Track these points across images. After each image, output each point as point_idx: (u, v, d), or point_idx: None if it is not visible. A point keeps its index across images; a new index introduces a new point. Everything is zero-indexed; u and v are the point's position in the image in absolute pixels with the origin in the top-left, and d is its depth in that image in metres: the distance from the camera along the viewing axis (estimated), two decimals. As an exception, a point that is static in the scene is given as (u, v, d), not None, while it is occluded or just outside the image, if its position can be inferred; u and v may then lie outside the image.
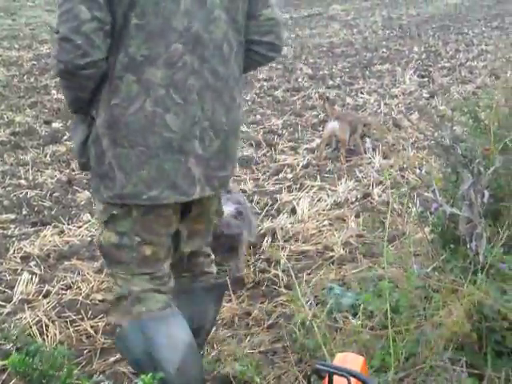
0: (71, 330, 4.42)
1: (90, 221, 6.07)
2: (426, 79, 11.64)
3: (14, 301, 4.76)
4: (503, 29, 17.03)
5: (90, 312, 4.62)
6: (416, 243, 4.42)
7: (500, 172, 4.06)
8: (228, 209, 4.95)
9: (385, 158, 7.43)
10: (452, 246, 4.11)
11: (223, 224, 4.87)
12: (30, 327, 4.37)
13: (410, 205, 5.70)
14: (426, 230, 4.41)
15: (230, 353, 3.93)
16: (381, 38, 16.24)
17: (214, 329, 4.23)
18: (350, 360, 3.15)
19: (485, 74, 11.71)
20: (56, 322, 4.48)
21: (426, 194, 3.90)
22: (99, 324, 4.48)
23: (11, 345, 3.69)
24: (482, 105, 6.16)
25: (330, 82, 11.57)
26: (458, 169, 3.99)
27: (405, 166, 6.77)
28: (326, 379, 2.94)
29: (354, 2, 23.68)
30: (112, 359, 4.12)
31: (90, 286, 4.95)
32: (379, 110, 9.53)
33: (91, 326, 4.47)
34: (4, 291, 4.93)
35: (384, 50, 14.55)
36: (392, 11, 21.04)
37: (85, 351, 4.21)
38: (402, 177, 6.66)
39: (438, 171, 4.68)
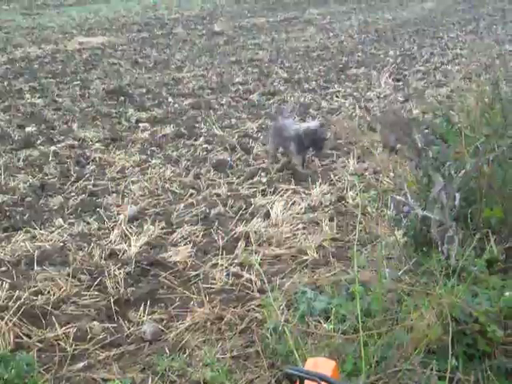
0: (42, 336, 4.37)
1: (62, 226, 6.01)
2: (400, 83, 11.69)
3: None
4: (477, 33, 17.15)
5: (61, 318, 4.57)
6: (389, 246, 4.42)
7: (471, 175, 4.07)
8: None
9: (359, 161, 7.42)
10: (424, 249, 4.11)
11: None
12: (-1, 334, 4.31)
13: (384, 208, 5.72)
14: (399, 233, 4.41)
15: (202, 358, 3.92)
16: (356, 41, 16.29)
17: (185, 333, 4.22)
18: (321, 364, 3.13)
19: (459, 77, 11.77)
20: (25, 329, 4.42)
21: (397, 197, 3.88)
22: (70, 330, 4.42)
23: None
24: (455, 108, 6.20)
25: (306, 86, 11.57)
26: (429, 172, 4.00)
27: (379, 169, 6.77)
28: (297, 384, 2.94)
29: (330, 6, 23.76)
30: (81, 365, 4.08)
31: (62, 291, 4.89)
32: (354, 114, 9.53)
33: (62, 333, 4.41)
34: (-27, 297, 4.86)
35: (359, 53, 14.61)
36: (368, 15, 21.13)
37: (55, 358, 4.15)
38: (377, 180, 6.67)
39: (410, 174, 4.69)
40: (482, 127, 4.43)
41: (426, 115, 4.39)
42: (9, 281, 5.05)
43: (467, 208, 4.20)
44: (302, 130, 7.26)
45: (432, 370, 2.97)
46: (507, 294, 3.48)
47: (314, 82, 11.88)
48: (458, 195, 3.76)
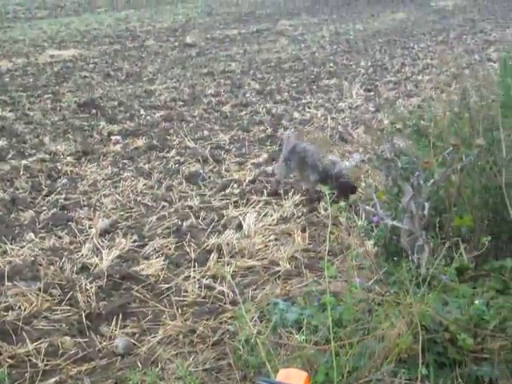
0: (12, 352, 4.33)
1: (33, 240, 5.97)
2: (372, 93, 11.76)
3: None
4: (448, 43, 17.30)
5: (32, 334, 4.53)
6: (360, 256, 4.43)
7: (440, 184, 4.10)
8: None
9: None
10: (395, 258, 4.13)
11: None
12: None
13: (356, 218, 5.75)
14: (370, 243, 4.43)
15: (174, 371, 3.90)
16: (328, 52, 16.36)
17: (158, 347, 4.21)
18: (293, 375, 3.12)
19: (430, 87, 11.86)
20: (-5, 345, 4.38)
21: (366, 207, 3.89)
22: (41, 346, 4.39)
23: None
24: (425, 118, 6.24)
25: (278, 97, 11.60)
26: (398, 182, 4.02)
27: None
28: (269, 395, 2.93)
29: (302, 17, 23.84)
30: (53, 380, 4.05)
31: (33, 306, 4.85)
32: (326, 125, 9.57)
33: (33, 348, 4.38)
34: None
35: (331, 64, 14.66)
36: (339, 26, 21.22)
37: (26, 374, 4.12)
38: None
39: (380, 185, 4.72)
40: (450, 137, 4.46)
41: (392, 125, 4.40)
42: (-21, 295, 5.02)
43: (437, 217, 4.23)
44: (335, 172, 6.60)
45: (401, 378, 2.98)
46: (477, 302, 3.51)
47: (286, 93, 11.92)
48: (427, 204, 3.79)
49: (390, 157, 3.86)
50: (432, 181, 3.71)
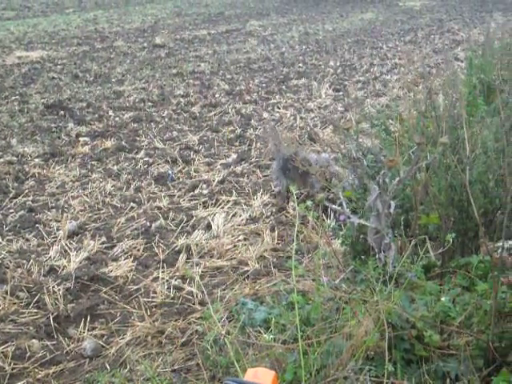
0: (-21, 356, 4.29)
1: (0, 243, 5.92)
2: (341, 93, 11.81)
3: None
4: (416, 43, 17.41)
5: (-2, 337, 4.50)
6: (328, 255, 4.45)
7: (406, 183, 4.13)
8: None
9: (300, 171, 7.46)
10: (362, 257, 4.15)
11: None
12: None
13: (325, 217, 5.77)
14: (338, 241, 4.45)
15: (142, 373, 3.89)
16: (297, 53, 16.38)
17: (126, 348, 4.20)
18: (261, 374, 3.12)
19: (398, 87, 11.94)
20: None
21: (332, 206, 3.91)
22: (8, 349, 4.35)
23: None
24: (392, 117, 6.28)
25: (247, 98, 11.60)
26: (365, 180, 4.04)
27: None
28: (237, 395, 2.93)
29: (272, 18, 23.87)
30: (21, 383, 4.02)
31: (-1, 309, 4.82)
32: (295, 124, 9.59)
33: (0, 352, 4.34)
34: None
35: (300, 64, 14.69)
36: (309, 27, 21.27)
37: (-8, 377, 4.08)
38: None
39: (348, 184, 4.73)
40: (415, 135, 4.50)
41: (358, 124, 4.42)
42: None
43: (404, 215, 4.27)
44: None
45: (365, 375, 2.99)
46: (443, 299, 3.53)
47: (255, 94, 11.92)
48: (393, 203, 3.81)
49: (356, 156, 3.88)
50: (397, 179, 3.73)
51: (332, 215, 5.74)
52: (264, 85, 12.68)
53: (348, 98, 11.30)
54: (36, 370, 4.19)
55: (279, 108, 10.81)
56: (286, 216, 6.32)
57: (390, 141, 5.23)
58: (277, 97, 11.67)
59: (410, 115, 4.91)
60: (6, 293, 5.02)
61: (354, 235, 4.19)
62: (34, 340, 4.47)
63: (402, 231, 3.97)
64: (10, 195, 7.12)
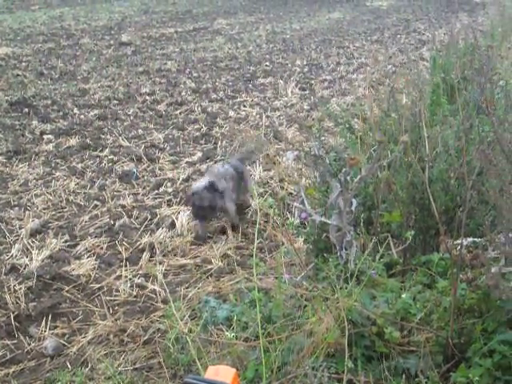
0: None
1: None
2: (307, 92, 11.83)
3: None
4: (382, 42, 17.52)
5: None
6: (291, 253, 4.46)
7: (368, 180, 4.16)
8: (199, 183, 5.98)
9: (265, 169, 7.47)
10: (325, 254, 4.16)
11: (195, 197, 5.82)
12: None
13: (289, 215, 5.78)
14: (301, 239, 4.47)
15: (104, 371, 3.87)
16: (264, 51, 16.39)
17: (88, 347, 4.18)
18: (222, 372, 3.12)
19: (363, 86, 12.00)
20: None
21: (295, 203, 3.92)
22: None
23: None
24: (357, 115, 6.32)
25: (214, 96, 11.59)
26: (327, 178, 4.06)
27: (284, 177, 6.84)
28: (197, 393, 2.93)
29: (239, 16, 23.86)
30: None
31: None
32: (261, 123, 9.60)
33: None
34: None
35: (267, 63, 14.70)
36: (276, 25, 21.30)
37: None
38: (282, 188, 6.74)
39: (311, 181, 4.76)
40: (377, 133, 4.53)
41: (320, 122, 4.42)
42: None
43: (366, 213, 4.29)
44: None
45: (324, 372, 3.00)
46: (404, 295, 3.56)
47: (221, 92, 11.90)
48: (354, 201, 3.83)
49: (319, 153, 3.89)
50: (359, 177, 3.74)
51: (295, 213, 5.75)
52: (230, 83, 12.67)
53: (314, 96, 11.33)
54: (-4, 370, 4.15)
55: (245, 106, 10.81)
56: (252, 215, 6.32)
57: (353, 139, 5.26)
58: (243, 95, 11.67)
59: (372, 114, 4.94)
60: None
61: (315, 233, 4.21)
62: (-6, 339, 4.43)
63: (364, 229, 3.99)
64: (-28, 193, 7.05)
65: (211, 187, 5.87)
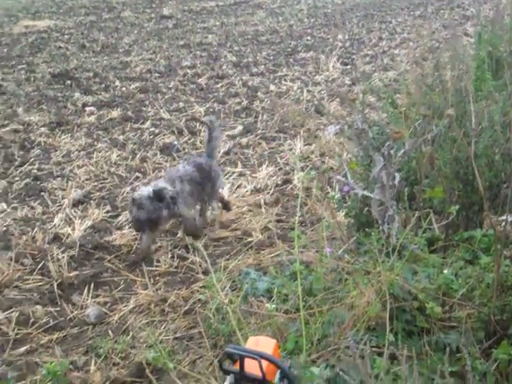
0: (-17, 321, 4.33)
1: (5, 210, 5.94)
2: (348, 66, 11.74)
3: None
4: (425, 17, 17.27)
5: (3, 303, 4.52)
6: (332, 227, 4.45)
7: (411, 155, 4.12)
8: (144, 189, 5.18)
9: (306, 144, 7.45)
10: (366, 229, 4.15)
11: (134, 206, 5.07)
12: None
13: (330, 189, 5.77)
14: (342, 214, 4.45)
15: (145, 340, 3.91)
16: (306, 26, 16.28)
17: (129, 316, 4.23)
18: (262, 343, 3.14)
19: (406, 61, 11.86)
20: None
21: (337, 177, 3.90)
22: (12, 314, 4.38)
23: None
24: (400, 91, 6.25)
25: (254, 70, 11.56)
26: (370, 152, 4.03)
27: (325, 151, 6.81)
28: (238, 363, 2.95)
29: (281, -10, 23.72)
30: (24, 349, 4.04)
31: (4, 275, 4.83)
32: (302, 97, 9.55)
33: (4, 317, 4.36)
34: None
35: (308, 37, 14.61)
36: (317, 0, 21.13)
37: (-4, 342, 4.11)
38: (323, 162, 6.71)
39: (354, 155, 4.72)
40: (421, 108, 4.48)
41: (363, 96, 4.38)
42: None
43: (409, 188, 4.26)
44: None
45: (365, 345, 3.00)
46: (446, 271, 3.54)
47: (262, 66, 11.87)
48: (397, 175, 3.80)
49: (362, 127, 3.86)
50: (402, 151, 3.71)
51: (336, 187, 5.73)
52: (271, 57, 12.63)
53: (356, 71, 11.23)
54: (39, 336, 4.21)
55: (286, 81, 10.76)
56: (291, 188, 6.31)
57: (396, 114, 5.21)
58: (284, 69, 11.62)
59: (417, 89, 4.89)
60: (11, 259, 5.04)
61: (357, 207, 4.19)
62: (37, 306, 4.49)
63: (407, 204, 3.96)
64: (16, 163, 7.16)
65: (156, 196, 5.05)
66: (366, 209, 4.19)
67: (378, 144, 3.96)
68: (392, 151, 3.71)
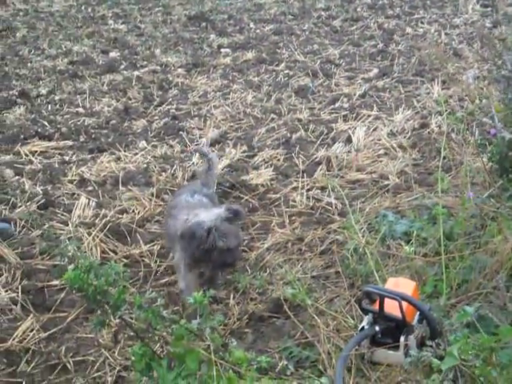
0: (127, 252, 4.50)
1: (145, 148, 6.12)
2: (489, 9, 11.26)
3: (71, 224, 4.84)
4: None
5: (145, 236, 4.69)
6: (473, 172, 4.34)
7: None
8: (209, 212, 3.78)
9: (444, 88, 7.26)
10: (510, 175, 4.02)
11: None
12: (87, 248, 4.46)
13: (469, 134, 5.60)
14: (484, 159, 4.32)
15: (282, 277, 3.97)
16: (444, -33, 15.69)
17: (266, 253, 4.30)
18: (402, 284, 3.14)
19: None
20: (111, 245, 4.56)
21: (483, 119, 3.79)
22: (154, 247, 4.54)
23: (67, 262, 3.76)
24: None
25: (390, 12, 11.30)
26: (519, 95, 3.89)
27: (464, 95, 6.61)
28: (377, 302, 2.96)
29: None
30: (165, 280, 4.19)
31: (146, 210, 5.01)
32: (439, 40, 9.28)
33: (146, 250, 4.53)
34: (62, 214, 5.01)
35: (447, -21, 14.09)
36: None
37: (140, 273, 4.27)
38: (461, 107, 6.52)
39: (498, 100, 4.56)
40: None
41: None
42: (95, 200, 5.22)
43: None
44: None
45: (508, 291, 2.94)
46: None
47: (398, 8, 11.58)
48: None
49: (511, 69, 3.72)
50: (555, 94, 3.56)
51: (477, 131, 5.54)
52: (408, -1, 12.29)
53: (497, 13, 10.77)
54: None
55: (423, 23, 10.47)
56: (429, 132, 6.17)
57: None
58: (421, 12, 11.30)
59: None
60: (152, 195, 5.21)
61: (503, 152, 4.06)
62: (177, 240, 4.63)
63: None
64: (155, 103, 7.34)
65: (235, 215, 3.72)
66: (511, 154, 4.06)
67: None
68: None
